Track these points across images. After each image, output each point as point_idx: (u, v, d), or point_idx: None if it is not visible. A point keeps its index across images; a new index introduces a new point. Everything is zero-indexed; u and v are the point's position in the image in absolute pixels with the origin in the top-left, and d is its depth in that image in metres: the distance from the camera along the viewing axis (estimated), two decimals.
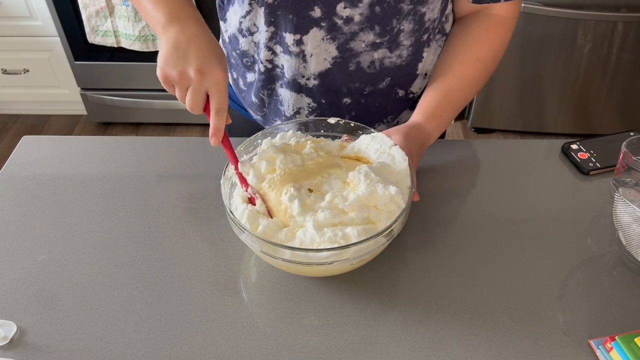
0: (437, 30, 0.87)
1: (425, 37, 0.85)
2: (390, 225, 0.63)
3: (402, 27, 0.81)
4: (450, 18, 0.89)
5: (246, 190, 0.71)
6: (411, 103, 0.93)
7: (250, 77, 0.93)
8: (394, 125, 0.96)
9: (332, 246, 0.62)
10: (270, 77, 0.89)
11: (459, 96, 0.84)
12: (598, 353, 0.63)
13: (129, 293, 0.70)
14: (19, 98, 2.52)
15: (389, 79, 0.87)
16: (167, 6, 0.72)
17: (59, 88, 2.46)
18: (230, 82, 1.00)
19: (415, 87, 0.91)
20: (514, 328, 0.66)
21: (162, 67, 0.69)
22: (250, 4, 0.82)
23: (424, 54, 0.87)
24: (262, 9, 0.81)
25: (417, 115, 0.82)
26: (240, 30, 0.87)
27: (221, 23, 0.93)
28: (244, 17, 0.84)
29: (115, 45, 2.15)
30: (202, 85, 0.68)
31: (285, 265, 0.66)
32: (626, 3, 1.97)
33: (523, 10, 1.99)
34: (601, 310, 0.68)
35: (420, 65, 0.88)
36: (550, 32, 2.07)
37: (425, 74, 0.90)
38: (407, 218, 0.68)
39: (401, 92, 0.90)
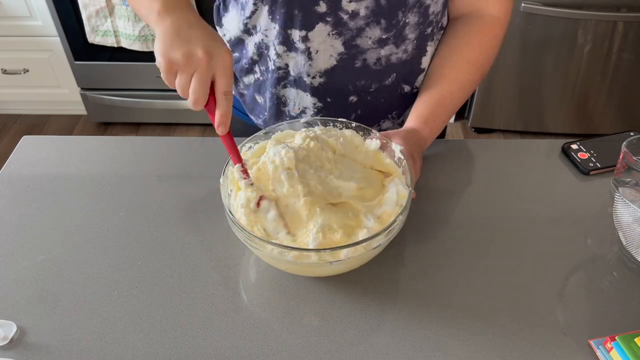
0: (439, 25, 0.87)
1: (429, 30, 0.85)
2: (359, 242, 0.63)
3: (407, 20, 0.81)
4: (446, 14, 0.89)
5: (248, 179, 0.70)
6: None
7: (248, 79, 0.93)
8: (399, 122, 0.96)
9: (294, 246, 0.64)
10: (274, 78, 0.89)
11: (451, 101, 0.84)
12: (598, 353, 0.63)
13: (128, 293, 0.70)
14: (19, 98, 2.51)
15: (394, 74, 0.88)
16: None
17: (58, 88, 2.46)
18: None
19: (420, 82, 0.91)
20: (514, 328, 0.66)
21: (164, 52, 0.64)
22: (255, 4, 0.81)
23: (428, 48, 0.87)
24: (267, 7, 0.81)
25: (411, 121, 0.83)
26: (245, 32, 0.87)
27: (217, 29, 0.93)
28: (249, 17, 0.84)
29: (115, 45, 2.15)
30: (210, 68, 0.63)
31: (280, 264, 0.66)
32: (626, 3, 1.97)
33: (523, 10, 1.99)
34: (601, 310, 0.68)
35: (424, 59, 0.88)
36: (550, 32, 2.06)
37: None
38: (400, 229, 0.68)
39: (407, 88, 0.91)
